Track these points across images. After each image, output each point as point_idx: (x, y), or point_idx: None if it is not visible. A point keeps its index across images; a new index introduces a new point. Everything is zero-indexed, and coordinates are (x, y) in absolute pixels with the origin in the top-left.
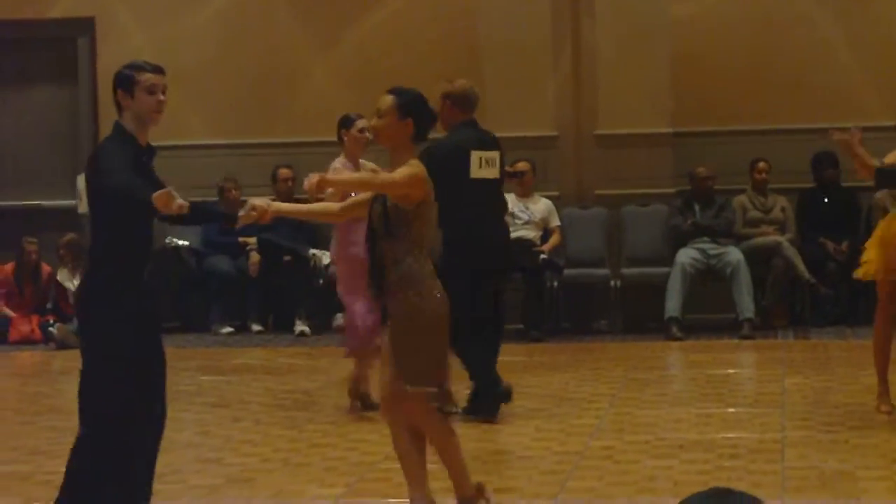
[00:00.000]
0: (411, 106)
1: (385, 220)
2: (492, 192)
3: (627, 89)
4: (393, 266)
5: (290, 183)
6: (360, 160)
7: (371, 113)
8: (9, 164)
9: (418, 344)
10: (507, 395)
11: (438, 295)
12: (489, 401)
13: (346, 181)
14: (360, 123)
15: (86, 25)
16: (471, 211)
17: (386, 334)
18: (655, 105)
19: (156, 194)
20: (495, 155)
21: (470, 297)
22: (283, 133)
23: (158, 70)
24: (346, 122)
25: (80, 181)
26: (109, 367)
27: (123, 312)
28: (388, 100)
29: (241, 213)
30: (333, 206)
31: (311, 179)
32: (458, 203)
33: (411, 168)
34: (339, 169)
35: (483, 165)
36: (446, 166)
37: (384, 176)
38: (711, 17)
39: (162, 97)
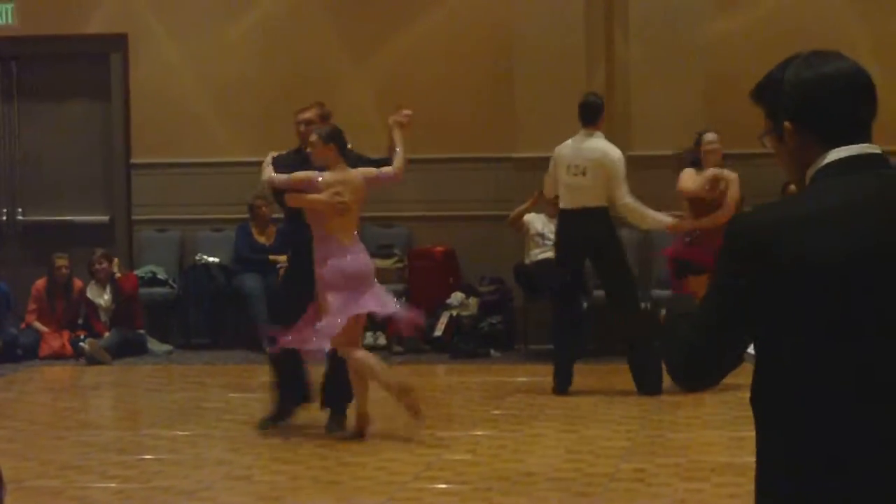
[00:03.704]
0: None
1: None
2: None
3: (661, 111)
4: None
5: None
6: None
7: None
8: (42, 180)
9: None
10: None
11: None
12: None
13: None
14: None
15: (119, 42)
16: None
17: None
18: (689, 127)
19: None
20: None
21: None
22: None
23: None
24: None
25: None
26: None
27: None
28: None
29: None
30: None
31: None
32: None
33: None
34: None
35: None
36: None
37: None
38: (748, 37)
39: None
